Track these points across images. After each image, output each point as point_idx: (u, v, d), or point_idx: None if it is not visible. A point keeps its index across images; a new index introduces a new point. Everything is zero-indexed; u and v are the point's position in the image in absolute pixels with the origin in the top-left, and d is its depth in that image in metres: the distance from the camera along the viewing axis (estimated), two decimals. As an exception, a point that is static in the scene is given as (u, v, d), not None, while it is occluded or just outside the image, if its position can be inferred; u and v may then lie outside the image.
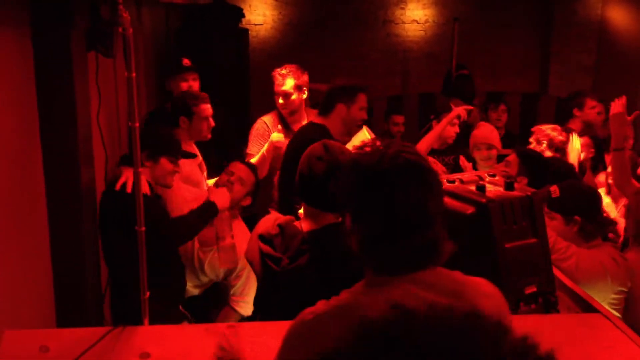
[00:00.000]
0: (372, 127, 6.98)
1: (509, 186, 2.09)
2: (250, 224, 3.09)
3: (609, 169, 4.07)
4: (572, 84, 8.02)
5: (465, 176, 2.20)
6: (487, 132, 4.41)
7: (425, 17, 8.31)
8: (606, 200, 3.76)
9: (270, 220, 2.29)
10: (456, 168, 4.37)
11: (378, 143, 1.67)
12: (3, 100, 2.54)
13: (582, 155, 4.47)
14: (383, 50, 8.31)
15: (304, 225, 2.19)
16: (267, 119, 4.36)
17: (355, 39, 8.21)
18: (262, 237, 2.22)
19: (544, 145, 4.20)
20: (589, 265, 2.71)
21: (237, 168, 3.56)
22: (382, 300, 0.88)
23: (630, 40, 7.85)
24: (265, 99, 7.50)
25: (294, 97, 4.18)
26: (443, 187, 1.85)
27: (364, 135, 4.04)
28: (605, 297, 2.74)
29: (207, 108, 3.80)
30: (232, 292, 3.54)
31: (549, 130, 4.32)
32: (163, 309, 2.86)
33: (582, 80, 8.25)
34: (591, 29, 8.28)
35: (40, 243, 2.91)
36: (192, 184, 3.65)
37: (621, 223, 3.43)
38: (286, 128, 4.21)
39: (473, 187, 2.07)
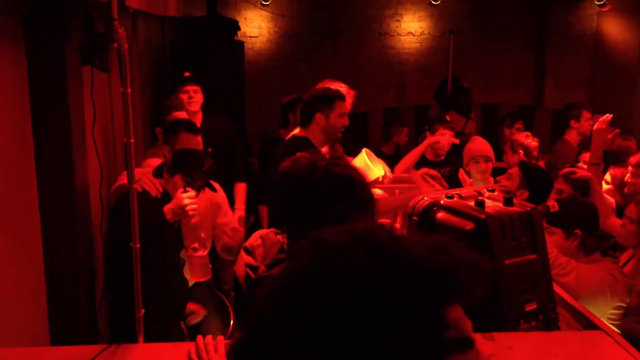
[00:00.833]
0: (368, 140, 7.01)
1: (508, 202, 2.07)
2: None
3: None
4: (568, 96, 8.04)
5: (464, 191, 2.18)
6: (483, 145, 4.41)
7: (421, 29, 8.34)
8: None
9: (257, 234, 2.34)
10: (451, 180, 4.36)
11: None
12: (-3, 115, 2.52)
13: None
14: (379, 63, 8.33)
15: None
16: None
17: (351, 51, 8.23)
18: (246, 249, 2.27)
19: (521, 153, 4.35)
20: (589, 280, 2.70)
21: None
22: None
23: (625, 52, 7.87)
24: (261, 110, 7.53)
25: None
26: (443, 202, 1.81)
27: (362, 159, 3.90)
28: (604, 312, 2.73)
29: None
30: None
31: (523, 137, 4.57)
32: (163, 327, 2.84)
33: (578, 92, 8.29)
34: (586, 42, 8.32)
35: (33, 259, 2.88)
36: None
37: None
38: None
39: (472, 203, 2.05)
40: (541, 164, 4.18)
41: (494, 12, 8.22)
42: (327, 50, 8.17)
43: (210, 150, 3.98)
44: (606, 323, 2.69)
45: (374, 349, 0.67)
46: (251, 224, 4.72)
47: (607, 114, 3.94)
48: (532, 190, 3.40)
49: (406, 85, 8.41)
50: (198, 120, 4.24)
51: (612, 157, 4.39)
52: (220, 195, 3.73)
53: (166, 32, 5.85)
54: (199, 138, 3.64)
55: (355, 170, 1.44)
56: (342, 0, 8.12)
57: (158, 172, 3.20)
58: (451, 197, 2.13)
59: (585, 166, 4.43)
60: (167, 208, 2.99)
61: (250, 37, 8.08)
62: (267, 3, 7.89)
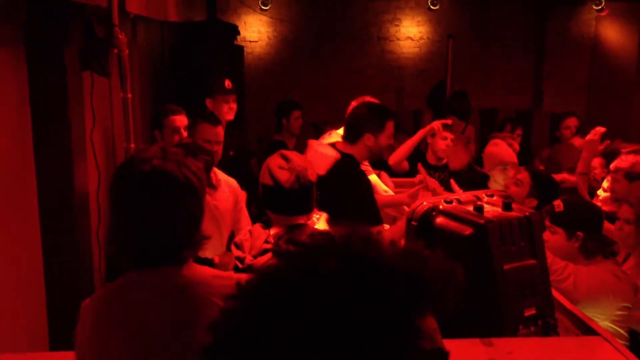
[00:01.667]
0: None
1: (506, 206, 2.08)
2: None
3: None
4: (566, 101, 8.06)
5: (463, 196, 2.18)
6: (503, 150, 4.44)
7: (420, 34, 8.36)
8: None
9: (246, 229, 2.51)
10: (448, 185, 4.37)
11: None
12: (-3, 120, 2.53)
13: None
14: (378, 67, 8.35)
15: (273, 231, 2.35)
16: None
17: (350, 55, 8.25)
18: (235, 244, 2.40)
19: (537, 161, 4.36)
20: (589, 282, 2.68)
21: None
22: None
23: (623, 57, 7.90)
24: (261, 114, 7.54)
25: None
26: (442, 207, 1.82)
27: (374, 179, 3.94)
28: (609, 314, 2.69)
29: (177, 119, 3.80)
30: None
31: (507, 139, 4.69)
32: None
33: (576, 97, 8.30)
34: (584, 46, 8.34)
35: (33, 263, 2.88)
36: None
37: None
38: None
39: (471, 208, 2.06)
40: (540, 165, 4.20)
41: (493, 16, 8.24)
42: (326, 55, 8.18)
43: (231, 153, 4.00)
44: (612, 326, 2.69)
45: None
46: None
47: (600, 127, 4.00)
48: (541, 198, 3.37)
49: (405, 90, 8.42)
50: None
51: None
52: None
53: (166, 36, 5.86)
54: (220, 129, 3.60)
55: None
56: (342, 5, 8.14)
57: None
58: (450, 202, 2.14)
59: (597, 170, 4.44)
60: None
61: (250, 41, 8.10)
62: (267, 8, 7.91)
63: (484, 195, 2.24)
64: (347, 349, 0.66)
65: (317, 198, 2.59)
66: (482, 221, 1.97)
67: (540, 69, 8.43)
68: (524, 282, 1.94)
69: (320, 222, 2.53)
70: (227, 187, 3.39)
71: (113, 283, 1.58)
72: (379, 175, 4.14)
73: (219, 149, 3.51)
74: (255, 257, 2.29)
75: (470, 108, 6.10)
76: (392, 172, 4.55)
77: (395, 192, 4.06)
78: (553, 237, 2.84)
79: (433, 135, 4.59)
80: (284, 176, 2.27)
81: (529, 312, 1.90)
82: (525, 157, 5.81)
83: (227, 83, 4.36)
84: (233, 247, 2.40)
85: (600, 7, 7.48)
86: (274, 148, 4.72)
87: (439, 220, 2.05)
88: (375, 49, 8.36)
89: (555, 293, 2.21)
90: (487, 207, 2.07)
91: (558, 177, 3.46)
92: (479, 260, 1.96)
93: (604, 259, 2.82)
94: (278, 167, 2.31)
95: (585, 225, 2.83)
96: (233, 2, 7.96)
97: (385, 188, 3.99)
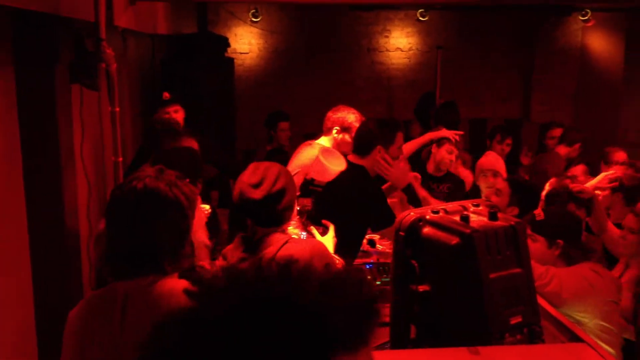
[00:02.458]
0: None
1: (492, 216, 2.10)
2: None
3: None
4: (554, 111, 8.13)
5: (449, 206, 2.20)
6: (493, 160, 4.46)
7: (409, 45, 8.42)
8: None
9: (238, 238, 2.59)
10: (448, 198, 4.38)
11: None
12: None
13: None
14: (368, 78, 8.40)
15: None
16: None
17: (341, 66, 8.30)
18: (223, 255, 2.47)
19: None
20: (573, 282, 2.72)
21: None
22: None
23: (609, 66, 7.99)
24: (251, 126, 7.56)
25: None
26: (428, 217, 1.85)
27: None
28: (597, 312, 2.74)
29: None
30: None
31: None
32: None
33: (564, 106, 8.37)
34: (572, 57, 8.42)
35: (22, 275, 2.88)
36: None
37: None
38: None
39: (457, 218, 2.08)
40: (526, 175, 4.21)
41: (481, 28, 8.32)
42: (317, 66, 8.22)
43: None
44: (602, 323, 2.71)
45: None
46: None
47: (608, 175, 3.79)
48: (522, 206, 3.40)
49: (395, 100, 8.47)
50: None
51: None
52: None
53: (156, 49, 5.89)
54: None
55: (165, 183, 1.67)
56: (332, 16, 8.19)
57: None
58: (437, 212, 2.16)
59: (580, 178, 4.45)
60: None
61: (241, 53, 8.13)
62: (257, 20, 7.95)
63: (470, 205, 2.26)
64: None
65: (322, 208, 2.66)
66: (468, 231, 1.98)
67: (529, 79, 8.50)
68: (509, 291, 1.95)
69: (291, 229, 2.59)
70: None
71: (94, 293, 1.67)
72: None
73: None
74: (232, 264, 2.34)
75: (458, 118, 6.13)
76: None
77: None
78: (534, 245, 2.88)
79: (440, 144, 4.54)
80: (234, 191, 2.37)
81: (515, 320, 1.91)
82: (515, 167, 5.86)
83: (165, 94, 4.38)
84: (220, 257, 2.46)
85: (586, 17, 7.56)
86: (270, 158, 4.75)
87: (426, 230, 2.07)
88: (365, 60, 8.42)
89: (541, 300, 2.23)
90: (473, 217, 2.08)
91: (576, 187, 3.41)
92: (466, 269, 1.98)
93: (584, 262, 2.88)
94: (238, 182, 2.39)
95: (565, 234, 2.89)
96: (224, 14, 7.99)
97: None
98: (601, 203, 3.56)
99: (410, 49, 8.43)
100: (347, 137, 3.91)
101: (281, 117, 5.86)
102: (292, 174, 2.63)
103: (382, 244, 3.84)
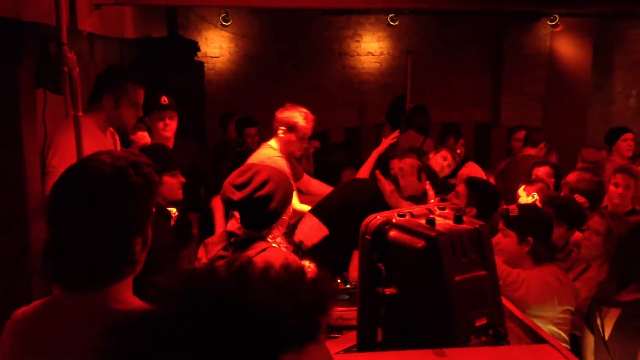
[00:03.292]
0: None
1: (458, 219, 2.11)
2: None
3: None
4: (523, 115, 8.24)
5: (415, 210, 2.22)
6: (473, 171, 4.52)
7: (380, 49, 8.47)
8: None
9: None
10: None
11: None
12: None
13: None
14: (340, 82, 8.42)
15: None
16: None
17: (312, 71, 8.31)
18: (205, 243, 2.48)
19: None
20: (537, 286, 2.78)
21: None
22: None
23: (577, 70, 8.13)
24: (221, 130, 7.52)
25: None
26: (395, 220, 1.86)
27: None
28: (552, 318, 2.80)
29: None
30: None
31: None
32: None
33: (533, 110, 8.49)
34: (540, 61, 8.55)
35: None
36: None
37: None
38: None
39: (423, 221, 2.09)
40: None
41: (451, 33, 8.40)
42: (288, 70, 8.23)
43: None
44: (554, 329, 2.76)
45: None
46: None
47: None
48: (480, 206, 3.44)
49: (367, 104, 8.51)
50: (170, 145, 4.20)
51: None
52: None
53: (125, 53, 5.82)
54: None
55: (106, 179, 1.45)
56: (303, 20, 8.20)
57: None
58: (403, 216, 2.17)
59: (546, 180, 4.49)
60: None
61: (211, 57, 8.09)
62: (228, 24, 7.92)
63: (436, 208, 2.28)
64: None
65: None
66: (433, 234, 2.00)
67: (499, 84, 8.61)
68: (474, 293, 1.97)
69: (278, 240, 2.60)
70: None
71: (40, 301, 1.50)
72: None
73: None
74: (211, 260, 2.35)
75: (429, 122, 6.18)
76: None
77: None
78: (505, 240, 2.94)
79: (437, 151, 4.62)
80: (237, 195, 2.37)
81: (480, 322, 1.93)
82: (485, 171, 5.91)
83: (164, 99, 4.28)
84: (201, 247, 2.47)
85: (554, 22, 7.69)
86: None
87: (392, 233, 2.07)
88: (336, 65, 8.44)
89: (506, 302, 2.25)
90: (439, 220, 2.10)
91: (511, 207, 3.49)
92: (431, 271, 1.99)
93: (549, 264, 2.92)
94: (234, 186, 2.39)
95: (536, 231, 2.93)
96: (194, 18, 7.96)
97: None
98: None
99: (381, 54, 8.48)
100: (293, 136, 3.96)
101: (248, 123, 5.89)
102: None
103: None
